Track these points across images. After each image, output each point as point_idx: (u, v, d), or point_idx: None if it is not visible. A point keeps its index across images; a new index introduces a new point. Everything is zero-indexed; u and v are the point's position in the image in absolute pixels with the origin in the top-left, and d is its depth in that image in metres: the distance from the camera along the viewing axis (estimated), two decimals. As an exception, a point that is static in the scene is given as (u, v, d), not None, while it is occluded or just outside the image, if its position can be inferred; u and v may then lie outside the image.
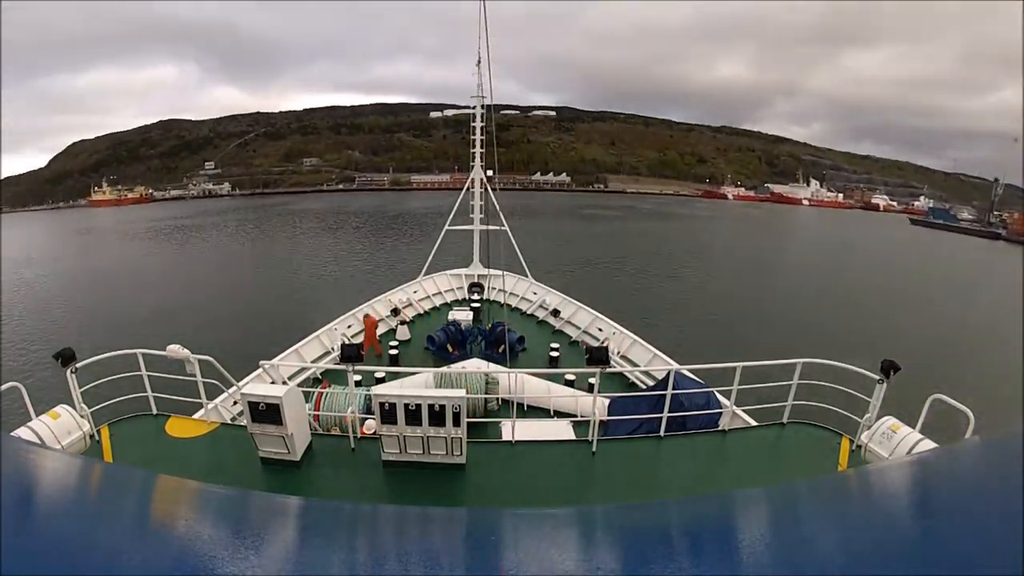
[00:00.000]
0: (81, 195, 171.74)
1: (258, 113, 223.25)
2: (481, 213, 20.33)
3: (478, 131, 19.68)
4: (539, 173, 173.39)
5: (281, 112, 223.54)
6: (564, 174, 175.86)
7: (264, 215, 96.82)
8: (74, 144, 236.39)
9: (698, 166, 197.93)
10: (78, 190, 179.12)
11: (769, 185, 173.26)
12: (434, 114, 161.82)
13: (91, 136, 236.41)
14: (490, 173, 20.24)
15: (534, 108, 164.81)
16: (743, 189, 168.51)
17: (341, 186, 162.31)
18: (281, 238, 68.47)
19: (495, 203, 19.49)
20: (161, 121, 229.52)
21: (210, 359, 7.39)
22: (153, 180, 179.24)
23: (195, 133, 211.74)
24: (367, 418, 7.67)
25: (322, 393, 9.25)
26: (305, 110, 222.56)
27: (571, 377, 11.80)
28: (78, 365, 6.78)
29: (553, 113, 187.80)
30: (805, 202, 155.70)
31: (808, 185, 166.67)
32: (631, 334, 15.03)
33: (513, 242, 18.86)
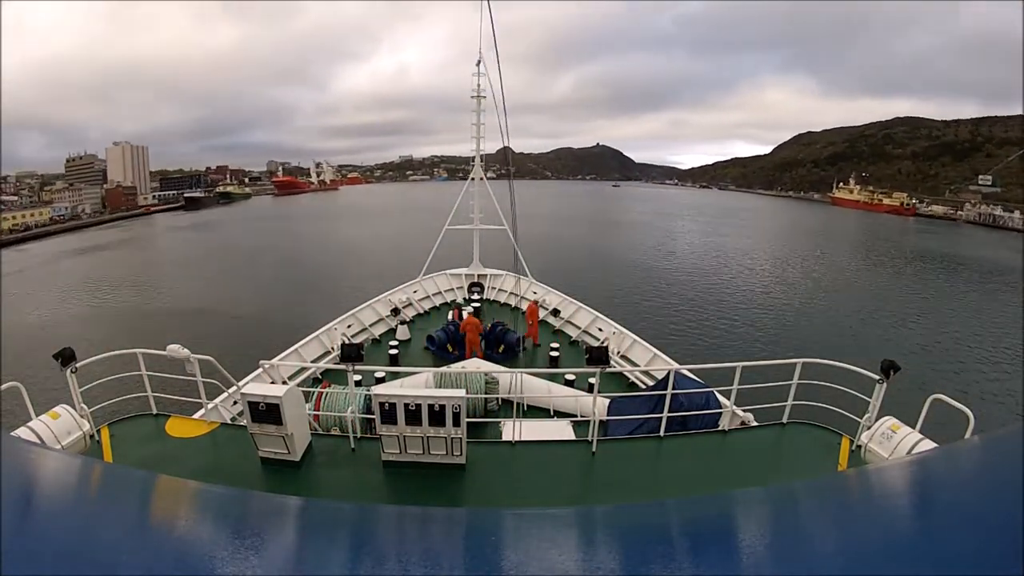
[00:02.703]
0: (815, 188, 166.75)
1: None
2: (482, 213, 20.41)
3: (478, 130, 19.80)
4: None
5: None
6: None
7: None
8: (802, 134, 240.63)
9: None
10: (810, 181, 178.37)
11: None
12: None
13: (817, 129, 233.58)
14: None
15: None
16: None
17: None
18: None
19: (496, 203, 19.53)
20: (899, 118, 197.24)
21: (210, 359, 7.37)
22: (908, 186, 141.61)
23: (950, 134, 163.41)
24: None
25: (322, 393, 9.22)
26: None
27: (571, 377, 11.82)
28: (78, 365, 6.74)
29: None
30: None
31: None
32: (631, 334, 14.99)
33: (513, 241, 18.94)
